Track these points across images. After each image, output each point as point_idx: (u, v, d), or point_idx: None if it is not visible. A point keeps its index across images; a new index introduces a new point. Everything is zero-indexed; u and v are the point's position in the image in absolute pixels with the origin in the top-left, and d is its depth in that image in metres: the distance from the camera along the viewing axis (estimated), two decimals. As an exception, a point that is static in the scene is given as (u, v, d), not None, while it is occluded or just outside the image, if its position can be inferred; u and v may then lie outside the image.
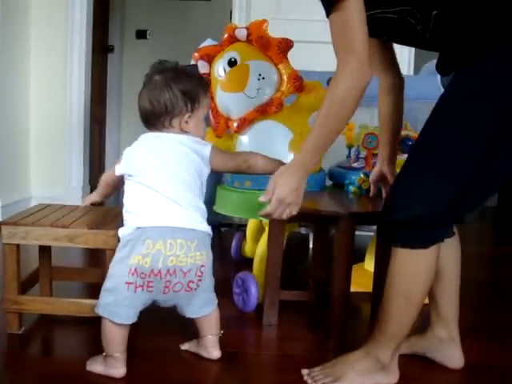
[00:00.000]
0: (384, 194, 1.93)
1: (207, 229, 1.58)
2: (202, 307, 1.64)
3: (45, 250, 2.02)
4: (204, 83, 1.67)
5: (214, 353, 1.69)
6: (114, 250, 1.72)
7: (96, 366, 1.60)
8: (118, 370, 1.57)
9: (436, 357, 1.71)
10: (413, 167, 1.48)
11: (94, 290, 2.08)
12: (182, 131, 1.60)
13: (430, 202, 1.43)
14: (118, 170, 1.65)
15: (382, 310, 1.56)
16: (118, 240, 1.63)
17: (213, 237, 1.63)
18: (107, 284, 1.56)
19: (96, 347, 1.74)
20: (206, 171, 1.62)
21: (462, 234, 3.75)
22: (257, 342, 1.91)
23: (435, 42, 1.51)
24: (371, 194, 1.95)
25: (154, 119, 1.61)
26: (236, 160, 1.70)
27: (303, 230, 3.05)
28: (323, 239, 2.14)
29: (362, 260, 2.48)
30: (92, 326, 1.80)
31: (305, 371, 1.60)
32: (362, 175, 2.07)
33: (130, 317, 1.55)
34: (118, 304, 1.53)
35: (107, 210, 2.04)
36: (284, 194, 1.46)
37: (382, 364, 1.55)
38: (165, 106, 1.58)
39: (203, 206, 1.60)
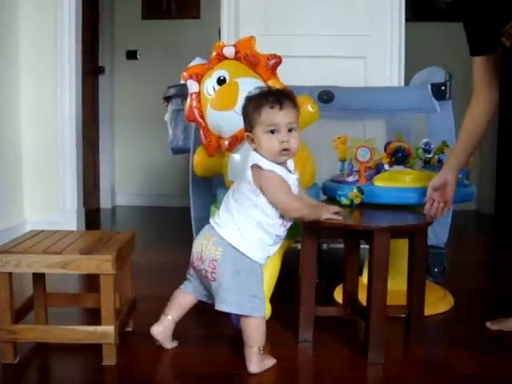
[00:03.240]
0: (436, 207, 2.00)
1: (227, 236, 1.74)
2: (220, 304, 1.74)
3: (39, 277, 1.99)
4: (256, 101, 1.73)
5: (249, 366, 1.74)
6: (108, 275, 1.71)
7: None
8: (156, 325, 1.88)
9: None
10: None
11: (90, 316, 2.07)
12: (254, 148, 1.76)
13: None
14: None
15: None
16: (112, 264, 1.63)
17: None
18: None
19: (94, 374, 1.73)
20: (247, 187, 1.74)
21: (460, 243, 3.77)
22: (293, 360, 1.88)
23: None
24: (426, 200, 2.02)
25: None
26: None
27: (299, 246, 3.03)
28: (354, 254, 2.15)
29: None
30: (89, 352, 1.79)
31: None
32: (354, 189, 2.05)
33: (187, 287, 1.88)
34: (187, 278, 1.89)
35: (102, 235, 2.01)
36: None
37: None
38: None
39: (231, 219, 1.75)
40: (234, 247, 1.73)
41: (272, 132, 1.70)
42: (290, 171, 1.77)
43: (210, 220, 1.83)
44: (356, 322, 2.03)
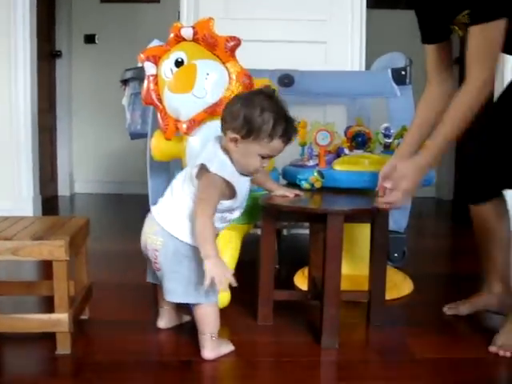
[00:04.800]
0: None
1: (167, 226, 1.70)
2: (167, 294, 1.73)
3: (-10, 265, 1.93)
4: (274, 123, 1.62)
5: (202, 352, 1.71)
6: (61, 262, 1.66)
7: None
8: (159, 319, 1.92)
9: (496, 309, 1.98)
10: None
11: (45, 304, 2.02)
12: (227, 145, 1.67)
13: None
14: None
15: None
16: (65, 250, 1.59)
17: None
18: None
19: (47, 364, 1.68)
20: (191, 180, 1.69)
21: (420, 228, 3.81)
22: (251, 345, 1.85)
23: None
24: (379, 187, 1.91)
25: (221, 121, 1.69)
26: None
27: (259, 231, 3.00)
28: (318, 239, 2.10)
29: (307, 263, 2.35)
30: (42, 342, 1.75)
31: (493, 348, 1.74)
32: (315, 174, 2.03)
33: (149, 277, 1.86)
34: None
35: (55, 220, 1.95)
36: (410, 189, 1.70)
37: None
38: (226, 115, 1.67)
39: (174, 206, 1.72)
40: (174, 236, 1.69)
41: (263, 157, 1.68)
42: (243, 173, 1.72)
43: (152, 208, 1.78)
44: (318, 306, 2.02)
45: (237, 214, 1.78)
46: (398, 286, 2.36)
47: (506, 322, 1.79)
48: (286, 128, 1.65)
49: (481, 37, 1.60)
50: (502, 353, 1.72)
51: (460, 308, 2.06)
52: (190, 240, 1.68)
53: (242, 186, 1.72)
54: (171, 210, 1.72)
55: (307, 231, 2.26)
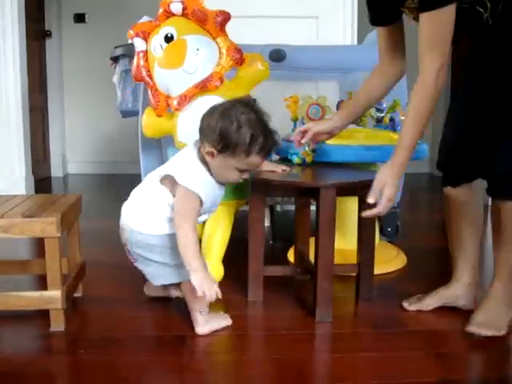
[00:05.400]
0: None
1: (129, 220, 1.72)
2: (151, 279, 1.79)
3: (-18, 244, 1.92)
4: (251, 138, 1.57)
5: (195, 328, 1.72)
6: (53, 239, 1.65)
7: None
8: (146, 285, 1.96)
9: (464, 302, 1.87)
10: None
11: (39, 283, 2.02)
12: (205, 157, 1.64)
13: None
14: None
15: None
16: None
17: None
18: None
19: (41, 341, 1.69)
20: (166, 193, 1.67)
21: (414, 204, 3.80)
22: (242, 320, 1.85)
23: (496, 29, 1.63)
24: (303, 140, 1.94)
25: (199, 131, 1.65)
26: None
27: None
28: (305, 213, 2.13)
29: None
30: (36, 319, 1.75)
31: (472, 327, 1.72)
32: (306, 148, 2.03)
33: None
34: None
35: (46, 198, 1.95)
36: (393, 194, 1.64)
37: None
38: (203, 125, 1.63)
39: (142, 203, 1.72)
40: (136, 230, 1.70)
41: (241, 171, 1.65)
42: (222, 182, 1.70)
43: (124, 203, 1.78)
44: (308, 281, 2.03)
45: (204, 217, 1.79)
46: (391, 260, 2.37)
47: (483, 299, 1.77)
48: (264, 143, 1.60)
49: (431, 24, 1.56)
50: (483, 332, 1.70)
51: (425, 302, 1.91)
52: (155, 231, 1.68)
53: (212, 193, 1.69)
54: (136, 205, 1.73)
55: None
